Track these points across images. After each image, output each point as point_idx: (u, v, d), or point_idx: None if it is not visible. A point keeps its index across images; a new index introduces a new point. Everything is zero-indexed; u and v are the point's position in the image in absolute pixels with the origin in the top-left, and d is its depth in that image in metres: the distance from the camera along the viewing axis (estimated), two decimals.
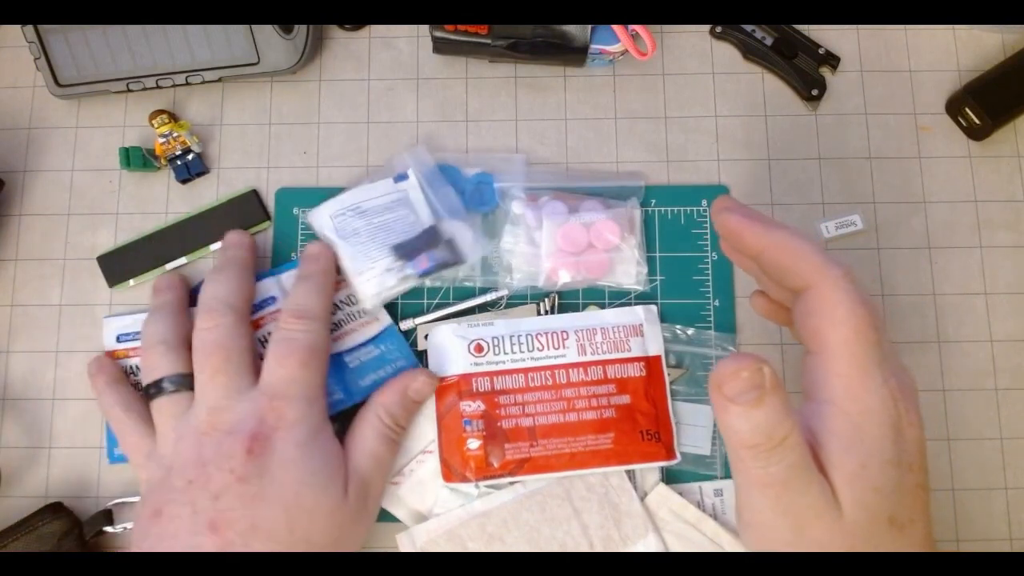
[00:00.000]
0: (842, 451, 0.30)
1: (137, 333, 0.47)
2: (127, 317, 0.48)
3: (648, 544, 0.43)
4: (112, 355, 0.47)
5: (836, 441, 0.30)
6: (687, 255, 0.49)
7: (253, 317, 0.45)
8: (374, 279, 0.46)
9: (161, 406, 0.41)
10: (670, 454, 0.45)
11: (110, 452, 0.47)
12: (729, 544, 0.44)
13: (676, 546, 0.44)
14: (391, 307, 0.48)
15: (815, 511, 0.29)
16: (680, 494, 0.45)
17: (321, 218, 0.48)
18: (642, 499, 0.44)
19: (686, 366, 0.47)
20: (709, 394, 0.30)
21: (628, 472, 0.45)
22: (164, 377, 0.41)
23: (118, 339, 0.48)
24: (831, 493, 0.30)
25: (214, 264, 0.46)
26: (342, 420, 0.45)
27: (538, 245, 0.47)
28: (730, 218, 0.34)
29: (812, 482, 0.29)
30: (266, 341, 0.45)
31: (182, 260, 0.49)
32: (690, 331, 0.47)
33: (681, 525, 0.44)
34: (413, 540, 0.44)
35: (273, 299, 0.46)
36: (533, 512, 0.44)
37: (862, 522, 0.30)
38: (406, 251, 0.46)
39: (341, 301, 0.47)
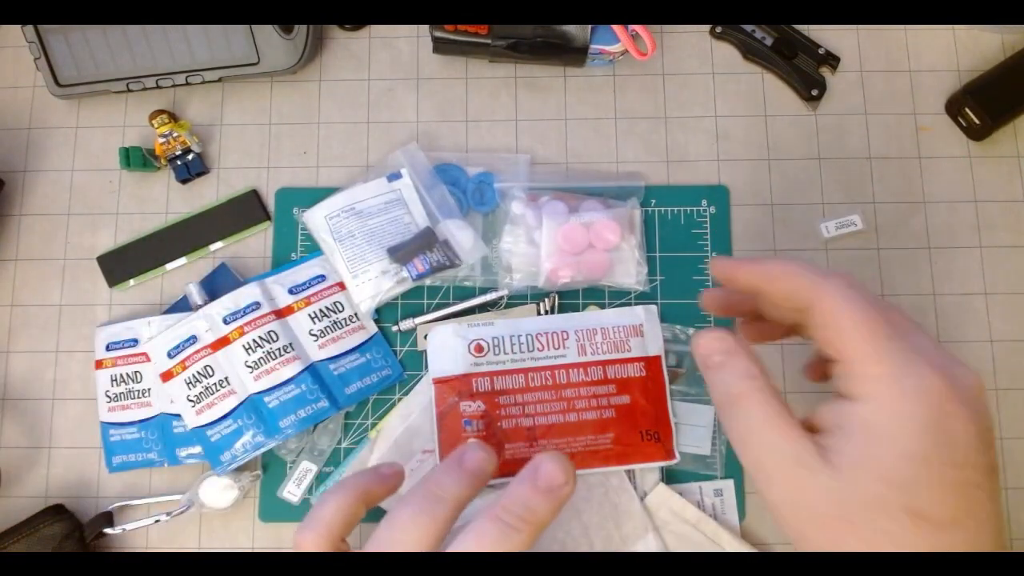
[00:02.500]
0: (843, 442, 0.31)
1: (127, 341, 0.47)
2: (117, 325, 0.48)
3: (648, 544, 0.43)
4: (100, 364, 0.47)
5: (840, 432, 0.31)
6: (687, 255, 0.49)
7: (235, 324, 0.46)
8: (370, 282, 0.46)
9: None
10: (669, 454, 0.45)
11: (108, 461, 0.47)
12: (729, 544, 0.44)
13: (676, 546, 0.44)
14: (390, 308, 0.48)
15: (783, 472, 0.31)
16: (680, 494, 0.45)
17: (316, 219, 0.48)
18: (642, 499, 0.44)
19: (686, 366, 0.46)
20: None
21: (628, 472, 0.45)
22: None
23: (107, 348, 0.48)
24: (815, 464, 0.31)
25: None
26: (328, 425, 0.45)
27: (538, 245, 0.47)
28: (718, 262, 0.36)
29: (774, 446, 0.31)
30: (249, 348, 0.45)
31: (182, 260, 0.49)
32: (690, 331, 0.47)
33: (681, 525, 0.44)
34: None
35: (257, 305, 0.46)
36: None
37: (860, 503, 0.30)
38: (402, 254, 0.46)
39: (328, 308, 0.47)
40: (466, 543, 0.33)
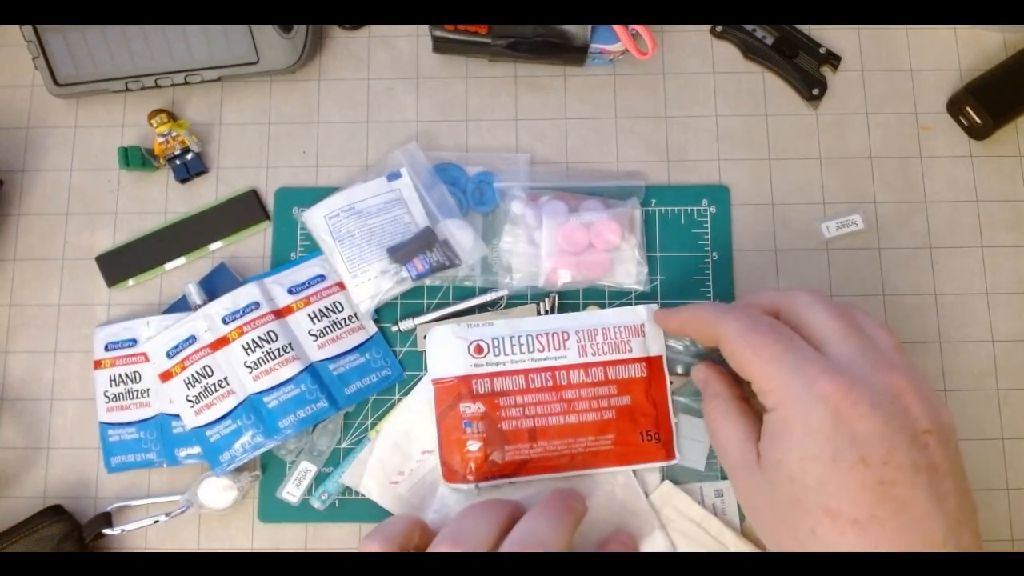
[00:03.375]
0: (765, 448, 0.35)
1: (125, 341, 0.47)
2: (116, 325, 0.48)
3: (655, 542, 0.43)
4: (98, 364, 0.47)
5: (763, 439, 0.36)
6: (687, 255, 0.48)
7: (235, 324, 0.45)
8: (369, 282, 0.46)
9: None
10: (670, 455, 0.44)
11: (107, 461, 0.47)
12: (733, 543, 0.43)
13: (682, 544, 0.43)
14: (390, 308, 0.48)
15: (736, 474, 0.37)
16: None
17: (316, 219, 0.48)
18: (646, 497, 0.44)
19: (687, 373, 0.46)
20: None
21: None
22: None
23: (106, 348, 0.47)
24: (752, 466, 0.36)
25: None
26: (328, 428, 0.44)
27: (538, 245, 0.47)
28: (656, 314, 0.45)
29: (730, 451, 0.37)
30: (249, 348, 0.45)
31: (181, 260, 0.49)
32: None
33: (686, 523, 0.44)
34: None
35: (256, 304, 0.46)
36: None
37: (784, 502, 0.34)
38: (401, 254, 0.46)
39: (327, 308, 0.47)
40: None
